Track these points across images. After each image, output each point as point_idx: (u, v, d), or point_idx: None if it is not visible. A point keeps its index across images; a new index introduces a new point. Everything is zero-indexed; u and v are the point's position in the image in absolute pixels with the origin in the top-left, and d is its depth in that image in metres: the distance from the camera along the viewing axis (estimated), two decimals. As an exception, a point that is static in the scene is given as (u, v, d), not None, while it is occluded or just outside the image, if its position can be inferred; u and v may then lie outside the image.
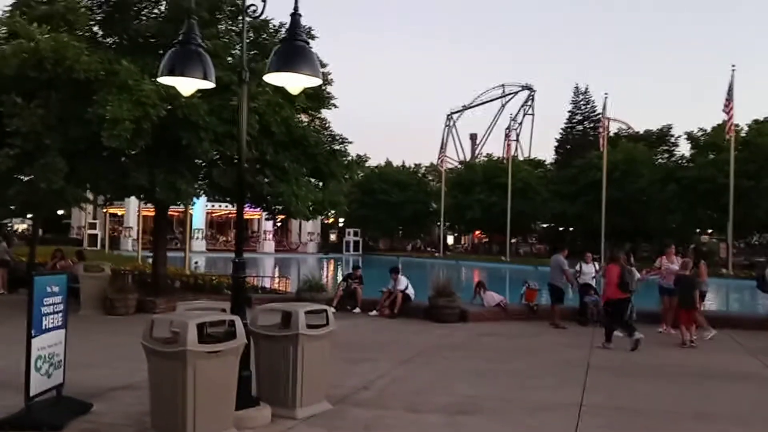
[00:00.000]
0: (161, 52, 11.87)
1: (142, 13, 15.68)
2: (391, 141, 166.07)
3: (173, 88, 7.55)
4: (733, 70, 38.59)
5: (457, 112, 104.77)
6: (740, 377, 9.75)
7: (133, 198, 20.92)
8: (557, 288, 15.14)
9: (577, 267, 15.25)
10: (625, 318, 12.44)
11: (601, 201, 47.30)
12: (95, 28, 15.62)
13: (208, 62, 6.73)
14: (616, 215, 50.20)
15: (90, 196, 20.94)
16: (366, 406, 7.59)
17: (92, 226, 54.18)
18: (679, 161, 55.95)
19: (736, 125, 43.03)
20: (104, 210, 51.06)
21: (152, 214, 20.00)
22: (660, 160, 58.79)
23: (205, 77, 6.71)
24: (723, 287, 28.05)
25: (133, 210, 51.87)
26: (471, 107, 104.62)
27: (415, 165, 79.59)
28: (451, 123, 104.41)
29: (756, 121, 51.50)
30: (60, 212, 54.16)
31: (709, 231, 58.12)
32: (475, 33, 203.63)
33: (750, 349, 12.26)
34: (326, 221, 65.14)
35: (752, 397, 8.50)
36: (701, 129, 51.60)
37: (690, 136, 52.22)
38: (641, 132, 66.46)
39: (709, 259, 15.28)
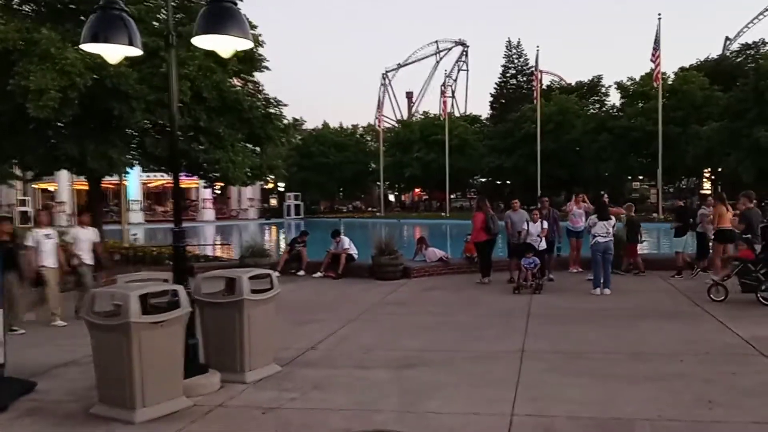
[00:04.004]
0: (83, 18, 11.46)
1: (61, -23, 15.03)
2: (328, 103, 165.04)
3: (99, 56, 7.30)
4: (660, 19, 39.44)
5: (392, 70, 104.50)
6: (672, 316, 10.19)
7: (64, 172, 20.38)
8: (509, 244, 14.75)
9: (524, 226, 13.99)
10: (490, 258, 14.44)
11: (537, 153, 48.15)
12: (10, -4, 14.92)
13: (132, 27, 6.52)
14: (552, 166, 51.24)
15: (18, 171, 20.27)
16: (315, 366, 7.67)
17: (23, 202, 52.43)
18: (611, 111, 57.29)
19: (664, 73, 44.18)
20: (34, 186, 49.40)
21: (85, 187, 19.45)
22: (592, 111, 60.00)
23: (131, 43, 6.50)
24: (654, 231, 29.01)
25: (65, 184, 50.39)
26: (406, 65, 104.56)
27: (353, 126, 79.21)
28: (387, 82, 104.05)
29: (682, 69, 53.03)
30: (-14, 190, 52.24)
31: (640, 177, 59.87)
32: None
33: (680, 288, 12.82)
34: (266, 186, 64.46)
35: (683, 335, 8.90)
36: (630, 78, 52.92)
37: (620, 86, 53.50)
38: (573, 84, 67.59)
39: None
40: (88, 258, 11.07)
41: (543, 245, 13.79)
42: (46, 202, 56.13)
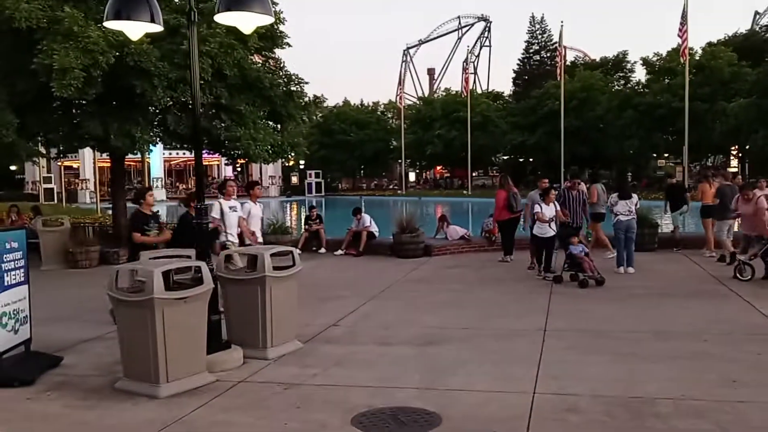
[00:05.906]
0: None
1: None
2: (348, 80, 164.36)
3: (121, 34, 7.32)
4: (687, -7, 38.54)
5: (413, 47, 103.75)
6: (696, 295, 10.09)
7: (87, 149, 20.48)
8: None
9: (536, 208, 12.18)
10: (513, 236, 14.21)
11: (560, 130, 47.65)
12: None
13: (154, 4, 6.52)
14: (576, 144, 50.66)
15: (42, 149, 20.48)
16: (337, 342, 7.71)
17: (47, 180, 52.97)
18: (636, 87, 56.43)
19: (691, 49, 43.34)
20: (59, 163, 49.91)
21: (108, 164, 19.59)
22: (617, 87, 59.14)
23: (153, 20, 6.49)
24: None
25: (88, 161, 50.73)
26: (427, 41, 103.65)
27: (374, 103, 78.87)
28: (408, 58, 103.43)
29: (710, 44, 51.99)
30: (12, 168, 52.86)
31: (665, 155, 59.06)
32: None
33: (705, 267, 12.68)
34: (287, 164, 64.59)
35: (707, 314, 8.81)
36: (656, 54, 52.05)
37: (645, 62, 52.60)
38: (597, 60, 66.63)
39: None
40: (258, 236, 10.28)
41: (553, 230, 12.02)
42: (69, 179, 56.73)
